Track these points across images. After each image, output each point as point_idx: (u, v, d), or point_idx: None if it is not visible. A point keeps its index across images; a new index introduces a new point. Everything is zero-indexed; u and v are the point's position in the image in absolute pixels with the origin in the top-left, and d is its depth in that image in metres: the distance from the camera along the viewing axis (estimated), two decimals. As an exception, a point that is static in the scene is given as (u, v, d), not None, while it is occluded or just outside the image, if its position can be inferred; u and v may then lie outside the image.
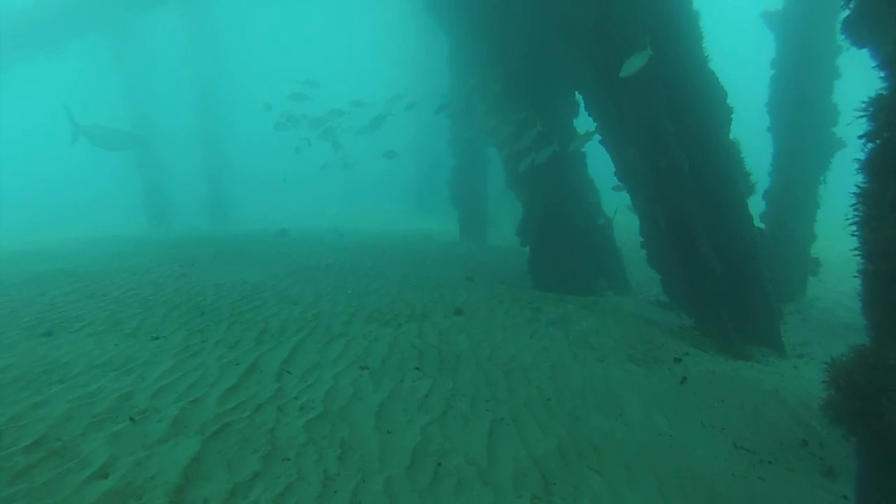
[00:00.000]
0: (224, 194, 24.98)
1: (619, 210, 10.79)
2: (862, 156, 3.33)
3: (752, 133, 9.97)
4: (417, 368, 5.00)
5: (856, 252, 3.32)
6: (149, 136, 21.80)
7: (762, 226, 9.12)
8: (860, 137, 3.33)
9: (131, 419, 3.78)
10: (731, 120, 7.19)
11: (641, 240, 8.87)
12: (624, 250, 11.00)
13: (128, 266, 9.62)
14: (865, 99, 3.32)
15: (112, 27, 18.88)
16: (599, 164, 10.54)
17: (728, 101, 7.12)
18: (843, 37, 4.35)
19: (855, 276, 3.39)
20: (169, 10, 19.77)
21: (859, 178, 3.33)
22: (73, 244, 14.67)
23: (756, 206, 8.41)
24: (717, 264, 7.04)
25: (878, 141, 3.24)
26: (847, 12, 4.25)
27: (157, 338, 5.55)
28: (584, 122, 10.19)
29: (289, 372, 4.78)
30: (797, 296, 10.20)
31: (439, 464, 3.56)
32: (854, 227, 3.34)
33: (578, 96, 10.45)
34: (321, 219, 26.04)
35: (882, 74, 3.44)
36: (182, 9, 21.10)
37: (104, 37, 19.25)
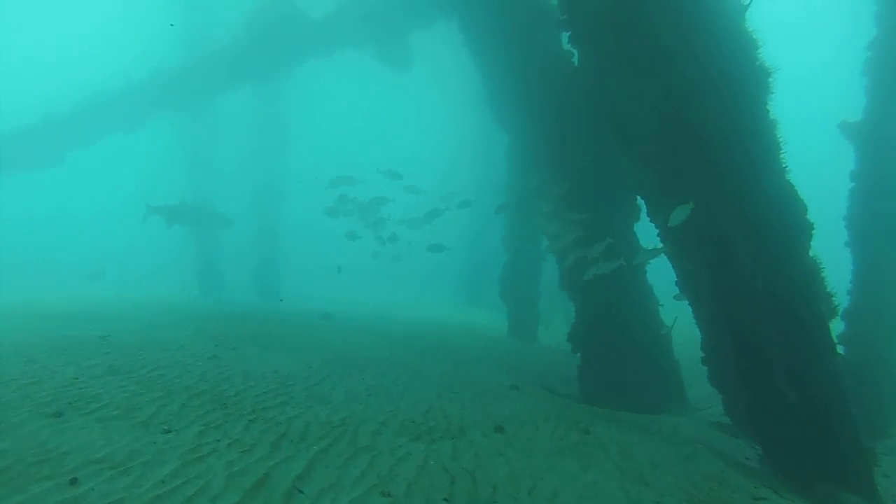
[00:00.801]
0: (274, 270, 25.22)
1: (678, 320, 10.12)
2: None
3: (828, 248, 9.21)
4: (446, 500, 4.34)
5: None
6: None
7: (841, 349, 8.24)
8: None
9: (109, 541, 3.27)
10: (811, 236, 6.55)
11: (702, 355, 8.12)
12: (680, 359, 10.17)
13: (162, 339, 9.37)
14: None
15: (186, 106, 19.91)
16: (659, 269, 10.02)
17: (808, 215, 6.51)
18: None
19: None
20: (241, 92, 20.76)
21: None
22: (121, 308, 14.75)
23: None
24: (793, 393, 6.22)
25: None
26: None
27: (168, 431, 5.10)
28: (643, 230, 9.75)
29: (301, 491, 4.20)
30: (892, 432, 9.04)
31: None
32: None
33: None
34: (369, 304, 25.88)
35: None
36: (254, 90, 22.15)
37: (176, 114, 20.30)
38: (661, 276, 9.79)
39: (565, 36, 10.31)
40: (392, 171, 15.32)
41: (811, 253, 6.53)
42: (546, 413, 7.33)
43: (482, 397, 7.75)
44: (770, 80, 6.21)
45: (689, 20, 6.15)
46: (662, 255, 8.67)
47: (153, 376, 6.94)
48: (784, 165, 6.38)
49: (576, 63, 10.58)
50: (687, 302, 8.83)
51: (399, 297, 29.98)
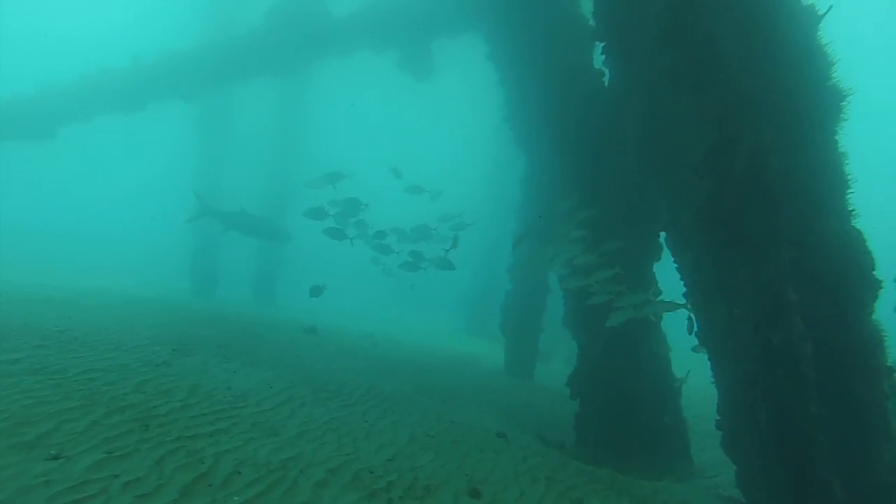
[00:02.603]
0: (272, 274, 24.22)
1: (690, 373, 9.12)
2: None
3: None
4: None
5: None
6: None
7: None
8: None
9: None
10: (877, 296, 5.44)
11: (718, 418, 7.01)
12: (686, 415, 9.12)
13: (114, 339, 8.32)
14: None
15: (195, 95, 19.15)
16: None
17: (875, 271, 5.41)
18: None
19: None
20: (260, 84, 19.99)
21: None
22: (94, 297, 13.77)
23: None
24: (840, 488, 5.08)
25: None
26: None
27: (56, 457, 4.04)
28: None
29: (191, 568, 3.11)
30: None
31: None
32: None
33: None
34: (363, 318, 24.77)
35: None
36: (270, 86, 21.45)
37: (184, 102, 19.55)
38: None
39: (598, 51, 9.52)
40: (396, 170, 14.35)
41: (875, 316, 5.41)
42: (535, 473, 6.19)
43: (462, 445, 6.62)
44: (843, 104, 5.17)
45: (754, 27, 5.15)
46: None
47: (80, 380, 5.90)
48: (850, 209, 5.30)
49: (607, 82, 9.72)
50: (706, 355, 7.87)
51: (399, 316, 28.82)
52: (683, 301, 7.80)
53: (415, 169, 14.89)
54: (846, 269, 5.20)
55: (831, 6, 5.17)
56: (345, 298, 31.54)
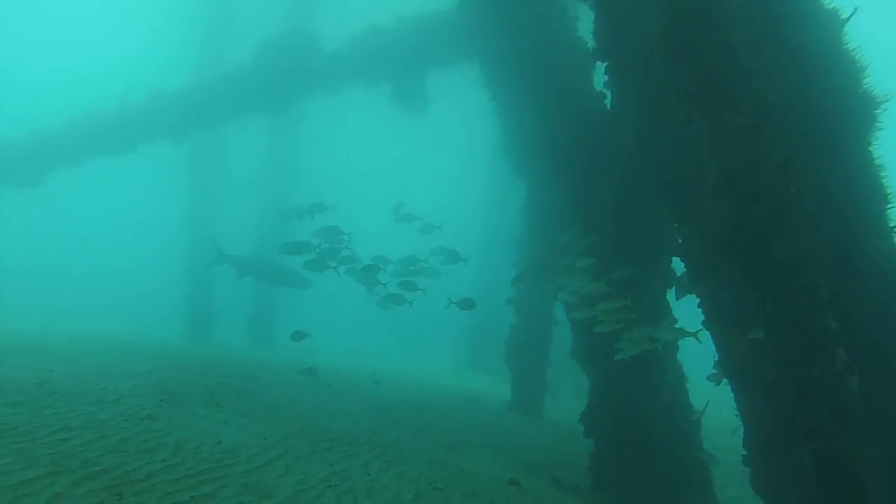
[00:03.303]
0: (269, 314, 23.63)
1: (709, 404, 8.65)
2: None
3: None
4: None
5: None
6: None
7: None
8: None
9: None
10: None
11: (745, 453, 6.55)
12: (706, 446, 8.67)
13: (97, 391, 7.76)
14: None
15: (184, 134, 18.87)
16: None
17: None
18: None
19: None
20: (253, 124, 19.73)
21: None
22: (83, 343, 13.17)
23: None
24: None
25: None
26: None
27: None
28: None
29: None
30: None
31: None
32: None
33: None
34: (365, 356, 24.15)
35: None
36: (266, 122, 21.23)
37: (174, 142, 19.25)
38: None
39: (599, 75, 9.25)
40: (408, 215, 13.92)
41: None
42: (555, 529, 5.63)
43: (474, 499, 6.06)
44: (878, 112, 4.79)
45: (775, 34, 4.80)
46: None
47: (51, 442, 5.36)
48: (892, 224, 4.87)
49: (609, 105, 9.43)
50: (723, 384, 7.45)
51: (400, 353, 28.19)
52: (694, 329, 7.43)
53: (413, 202, 14.41)
54: (890, 290, 4.75)
55: (856, 9, 4.84)
56: (347, 336, 30.95)
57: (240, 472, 5.49)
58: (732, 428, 10.46)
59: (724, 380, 7.14)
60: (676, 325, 8.21)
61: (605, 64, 8.10)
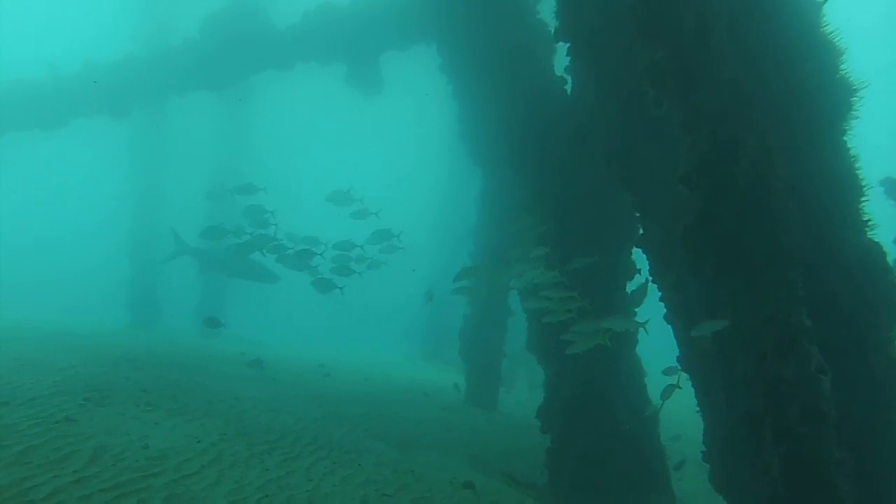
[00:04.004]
0: (218, 305, 22.60)
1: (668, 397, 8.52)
2: None
3: None
4: None
5: None
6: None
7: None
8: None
9: None
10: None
11: (704, 450, 6.35)
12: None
13: (10, 389, 7.03)
14: None
15: (123, 111, 17.72)
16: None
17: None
18: None
19: None
20: (200, 99, 18.65)
21: None
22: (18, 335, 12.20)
23: None
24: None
25: None
26: None
27: None
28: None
29: None
30: None
31: None
32: None
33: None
34: (316, 346, 23.52)
35: None
36: (215, 100, 20.20)
37: (111, 117, 18.06)
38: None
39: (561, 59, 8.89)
40: (344, 195, 13.25)
41: (896, 343, 4.73)
42: (512, 538, 5.28)
43: (425, 506, 5.66)
44: (853, 100, 4.53)
45: (750, 13, 4.47)
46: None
47: (-56, 452, 4.70)
48: (866, 219, 4.63)
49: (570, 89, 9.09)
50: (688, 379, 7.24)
51: (351, 342, 27.59)
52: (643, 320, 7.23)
53: (363, 187, 13.64)
54: (865, 288, 4.52)
55: (835, -10, 4.58)
56: (299, 325, 30.17)
57: (164, 482, 4.93)
58: (673, 435, 10.43)
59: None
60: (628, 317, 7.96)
61: (568, 45, 7.71)
